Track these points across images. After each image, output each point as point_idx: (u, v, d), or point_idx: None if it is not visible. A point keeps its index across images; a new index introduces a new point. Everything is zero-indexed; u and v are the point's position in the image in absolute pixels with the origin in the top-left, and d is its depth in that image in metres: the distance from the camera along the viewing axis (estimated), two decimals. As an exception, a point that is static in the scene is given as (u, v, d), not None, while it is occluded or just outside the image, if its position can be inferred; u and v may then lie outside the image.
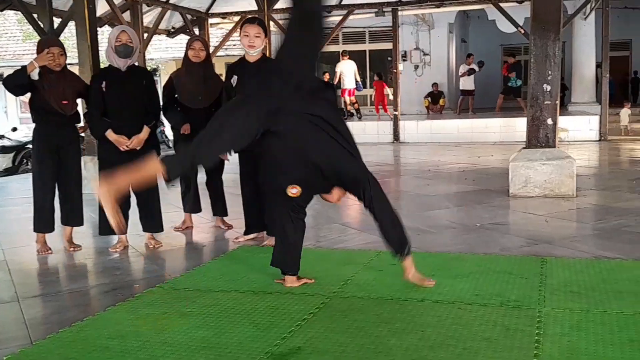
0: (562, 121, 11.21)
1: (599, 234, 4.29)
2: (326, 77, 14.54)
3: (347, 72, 13.59)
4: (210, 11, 12.02)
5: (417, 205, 5.57)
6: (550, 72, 5.66)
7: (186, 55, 4.55)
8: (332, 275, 3.34)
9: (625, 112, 12.69)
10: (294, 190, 2.87)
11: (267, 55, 4.28)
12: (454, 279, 3.19)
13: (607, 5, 11.74)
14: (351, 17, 12.79)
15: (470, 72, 14.08)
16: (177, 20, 11.89)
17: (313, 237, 4.29)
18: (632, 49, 21.05)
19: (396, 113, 12.38)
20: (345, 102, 13.95)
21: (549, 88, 5.68)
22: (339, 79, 13.65)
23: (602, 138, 11.52)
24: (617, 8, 17.58)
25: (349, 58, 13.98)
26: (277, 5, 11.63)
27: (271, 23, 11.71)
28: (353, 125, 12.40)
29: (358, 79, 13.87)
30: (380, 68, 16.83)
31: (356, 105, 14.24)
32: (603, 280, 3.11)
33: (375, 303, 2.90)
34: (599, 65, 13.49)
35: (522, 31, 11.47)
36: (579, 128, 11.48)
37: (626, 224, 4.47)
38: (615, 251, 3.72)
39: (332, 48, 16.85)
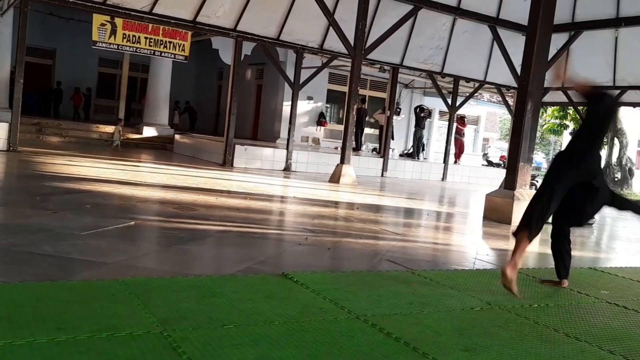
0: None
1: (-15, 255, 4.20)
2: None
3: None
4: None
5: None
6: None
7: None
8: None
9: (117, 130, 16.14)
10: None
11: None
12: None
13: (27, 6, 11.81)
14: None
15: None
16: None
17: None
18: (57, 59, 22.24)
19: None
20: None
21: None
22: None
23: (12, 148, 11.66)
24: (40, 12, 18.31)
25: None
26: None
27: None
28: None
29: None
30: None
31: None
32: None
33: None
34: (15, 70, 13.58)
35: None
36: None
37: (18, 242, 4.51)
38: (0, 275, 3.68)
39: None
